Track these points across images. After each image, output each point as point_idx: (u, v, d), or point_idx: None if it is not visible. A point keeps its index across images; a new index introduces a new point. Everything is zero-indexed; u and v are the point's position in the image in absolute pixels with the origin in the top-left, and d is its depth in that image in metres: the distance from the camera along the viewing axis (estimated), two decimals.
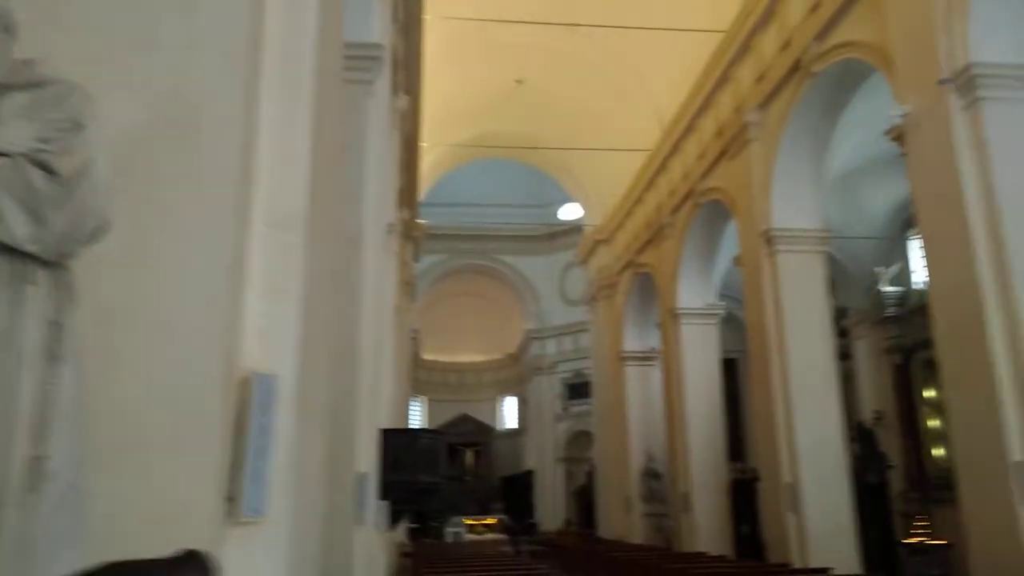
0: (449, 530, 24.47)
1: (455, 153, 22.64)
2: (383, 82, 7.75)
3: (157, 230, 1.95)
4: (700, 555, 12.96)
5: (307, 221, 2.43)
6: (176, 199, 1.98)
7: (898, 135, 8.98)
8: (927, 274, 8.83)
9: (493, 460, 32.31)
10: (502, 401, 34.71)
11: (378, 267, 8.23)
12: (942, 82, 8.02)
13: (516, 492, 30.68)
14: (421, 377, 31.15)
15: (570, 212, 30.08)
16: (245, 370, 2.09)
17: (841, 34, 10.41)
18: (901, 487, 15.84)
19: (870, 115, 11.46)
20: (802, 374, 11.77)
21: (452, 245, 30.99)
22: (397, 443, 9.04)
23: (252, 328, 2.15)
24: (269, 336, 2.21)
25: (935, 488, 14.18)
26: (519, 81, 20.31)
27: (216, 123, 2.03)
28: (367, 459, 6.82)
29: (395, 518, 11.02)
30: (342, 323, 5.82)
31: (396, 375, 15.23)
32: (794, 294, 12.14)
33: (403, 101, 12.07)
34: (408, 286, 20.11)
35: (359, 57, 6.47)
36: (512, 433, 33.50)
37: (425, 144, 18.21)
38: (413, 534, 22.55)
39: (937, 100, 8.17)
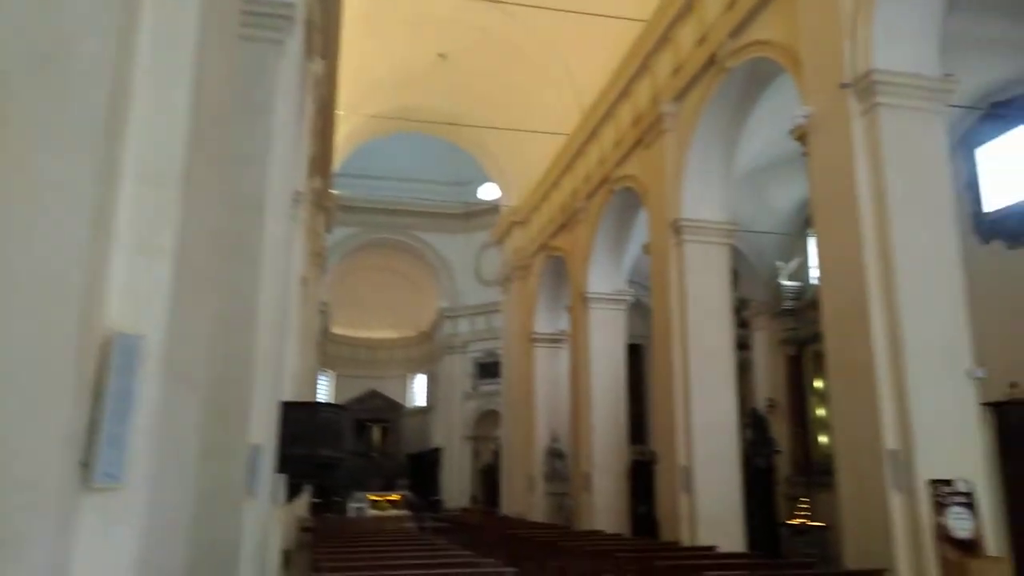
0: (352, 505, 24.28)
1: (374, 124, 22.22)
2: (295, 44, 7.50)
3: (10, 178, 1.81)
4: (597, 533, 13.29)
5: (186, 177, 2.32)
6: (34, 145, 1.85)
7: (801, 135, 9.32)
8: (819, 270, 9.22)
9: (401, 437, 32.19)
10: (412, 378, 34.57)
11: (283, 235, 8.01)
12: (843, 86, 8.36)
13: (422, 469, 30.71)
14: (331, 352, 30.65)
15: (488, 192, 30.07)
16: (107, 330, 1.98)
17: (754, 32, 10.70)
18: (788, 471, 16.65)
19: (779, 113, 11.84)
20: (702, 361, 12.16)
21: (367, 218, 30.49)
22: (298, 416, 8.86)
23: (117, 287, 2.03)
24: (137, 296, 2.09)
25: (818, 473, 14.95)
26: (442, 56, 20.07)
27: (83, 66, 1.90)
28: (263, 431, 6.65)
29: (293, 492, 10.83)
30: (238, 289, 5.63)
31: (302, 348, 14.92)
32: (698, 283, 12.50)
33: (319, 66, 11.73)
34: (318, 257, 19.68)
35: (268, 15, 6.23)
36: (421, 411, 33.45)
37: (342, 113, 17.79)
38: (316, 509, 22.25)
39: (838, 103, 8.52)
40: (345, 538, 12.14)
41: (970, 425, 7.68)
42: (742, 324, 18.19)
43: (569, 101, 18.38)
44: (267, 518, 7.61)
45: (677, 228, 12.68)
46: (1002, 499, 9.58)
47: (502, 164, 23.41)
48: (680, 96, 12.96)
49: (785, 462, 16.82)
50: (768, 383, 17.97)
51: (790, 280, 17.01)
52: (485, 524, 17.38)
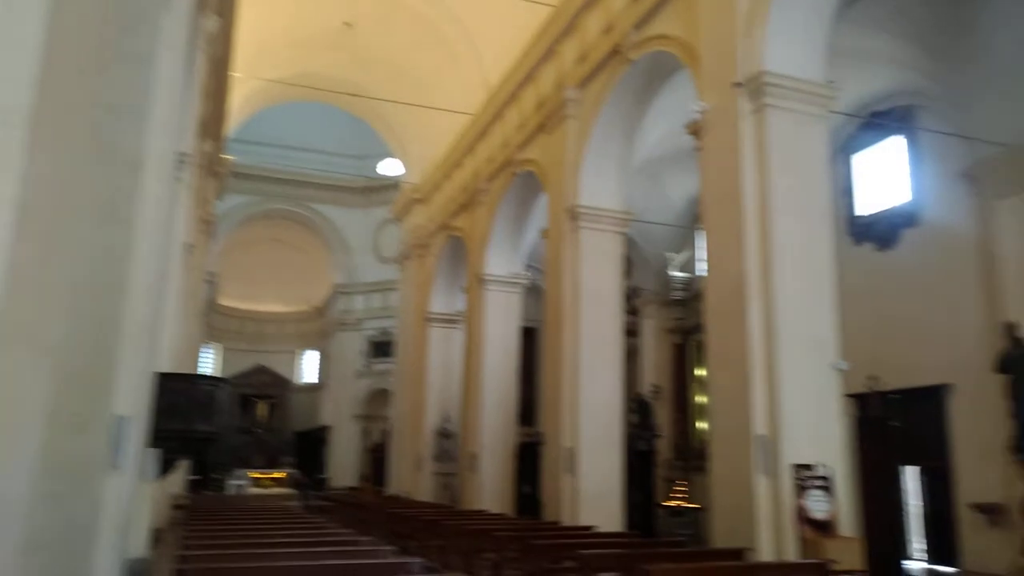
0: (231, 483, 23.53)
1: (273, 90, 21.37)
2: None
3: None
4: (480, 512, 13.41)
5: (36, 120, 2.13)
6: None
7: (695, 130, 9.60)
8: (705, 262, 9.55)
9: (288, 414, 31.44)
10: (303, 354, 33.75)
11: (164, 196, 7.57)
12: (736, 85, 8.65)
13: (310, 447, 30.10)
14: (217, 324, 29.53)
15: (389, 167, 29.58)
16: None
17: (657, 26, 10.92)
18: (669, 455, 17.32)
19: (678, 107, 12.15)
20: (590, 346, 12.41)
21: (262, 187, 29.44)
22: (174, 389, 8.45)
23: None
24: None
25: (695, 457, 15.62)
26: (348, 24, 19.50)
27: None
28: (132, 402, 6.30)
29: (166, 468, 10.36)
30: (109, 251, 5.28)
31: (185, 318, 14.27)
32: (592, 270, 12.73)
33: (213, 23, 11.14)
34: (207, 225, 18.84)
35: None
36: (311, 387, 32.72)
37: (238, 75, 17.03)
38: (194, 486, 21.44)
39: (730, 101, 8.81)
40: (221, 516, 11.75)
41: (832, 414, 8.17)
42: (632, 312, 18.69)
43: (475, 80, 18.27)
44: (134, 495, 7.23)
45: (574, 214, 12.85)
46: (857, 483, 10.26)
47: (405, 140, 23.06)
48: (584, 83, 13.10)
49: (666, 446, 17.48)
50: (654, 370, 18.58)
51: (679, 271, 17.59)
52: (370, 503, 17.23)
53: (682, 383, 17.50)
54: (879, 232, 12.93)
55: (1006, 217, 10.75)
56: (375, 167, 30.79)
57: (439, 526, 10.13)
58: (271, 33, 18.82)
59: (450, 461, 19.39)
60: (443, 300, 20.86)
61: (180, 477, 16.83)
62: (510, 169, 16.09)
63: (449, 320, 20.66)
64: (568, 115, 13.43)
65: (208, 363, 29.56)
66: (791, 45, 8.68)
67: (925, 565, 11.93)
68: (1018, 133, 10.32)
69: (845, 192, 13.43)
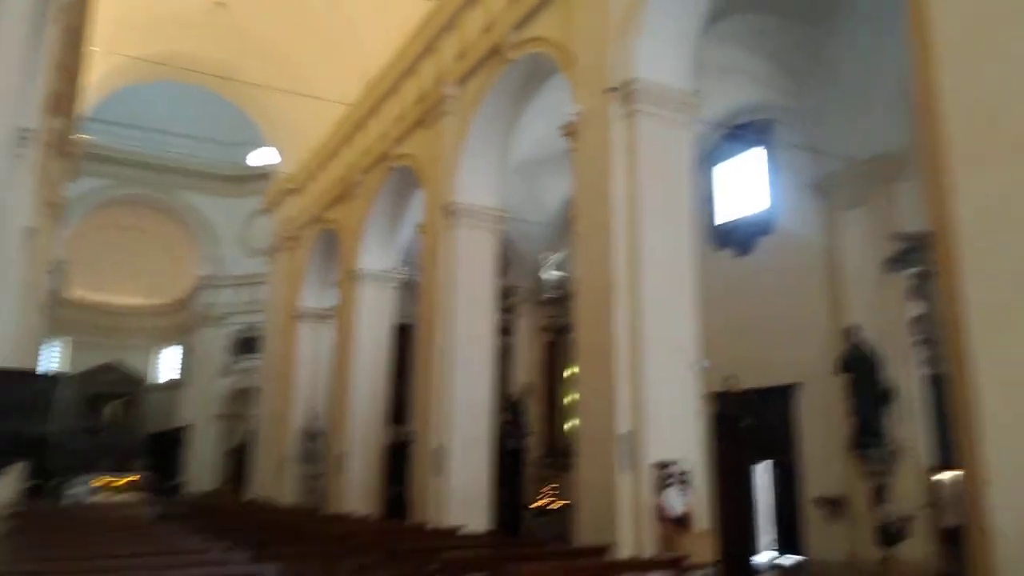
0: (72, 490, 21.79)
1: (137, 68, 19.98)
2: None
3: None
4: (346, 515, 13.05)
5: None
6: None
7: (570, 132, 9.72)
8: (575, 262, 9.69)
9: (144, 413, 29.56)
10: (162, 350, 31.85)
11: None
12: (608, 90, 8.82)
13: (166, 449, 28.42)
14: (66, 316, 27.32)
15: (261, 156, 28.39)
16: None
17: (535, 28, 10.99)
18: (539, 454, 17.51)
19: (555, 109, 12.29)
20: (464, 344, 12.34)
21: (122, 171, 27.59)
22: (2, 386, 7.66)
23: None
24: None
25: (564, 456, 15.84)
26: (220, 3, 18.55)
27: None
28: None
29: None
30: None
31: (24, 309, 13.10)
32: (467, 267, 12.66)
33: None
34: (55, 208, 17.38)
35: None
36: (170, 385, 30.93)
37: (97, 49, 15.81)
38: (31, 493, 19.74)
39: (603, 106, 8.98)
40: (58, 527, 10.82)
41: (692, 412, 8.47)
42: (507, 310, 18.81)
43: (354, 71, 17.79)
44: None
45: (450, 211, 12.75)
46: (713, 478, 10.69)
47: (280, 128, 22.20)
48: (463, 80, 13.01)
49: (537, 445, 17.67)
50: (528, 368, 18.75)
51: (554, 271, 17.84)
52: (229, 508, 16.42)
53: (554, 382, 17.75)
54: (738, 238, 13.61)
55: (850, 227, 11.56)
56: (246, 155, 29.49)
57: (300, 531, 9.75)
58: (135, 6, 17.62)
59: (317, 462, 18.79)
60: (314, 295, 20.22)
61: (12, 483, 15.42)
62: (387, 163, 15.78)
63: (320, 316, 20.03)
64: (447, 111, 13.31)
65: (53, 359, 27.35)
66: (661, 54, 8.95)
67: (773, 556, 12.63)
68: (862, 148, 11.12)
69: (707, 200, 14.04)
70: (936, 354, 10.02)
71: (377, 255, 16.76)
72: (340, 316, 17.66)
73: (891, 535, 9.73)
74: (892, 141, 10.80)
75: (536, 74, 11.82)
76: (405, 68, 15.05)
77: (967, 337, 4.85)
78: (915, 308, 10.49)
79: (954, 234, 5.03)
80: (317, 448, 18.79)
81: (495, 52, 11.92)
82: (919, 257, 9.58)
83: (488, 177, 13.02)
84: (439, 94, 13.46)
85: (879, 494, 10.24)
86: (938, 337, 7.66)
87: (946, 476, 9.58)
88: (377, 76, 16.40)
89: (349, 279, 16.89)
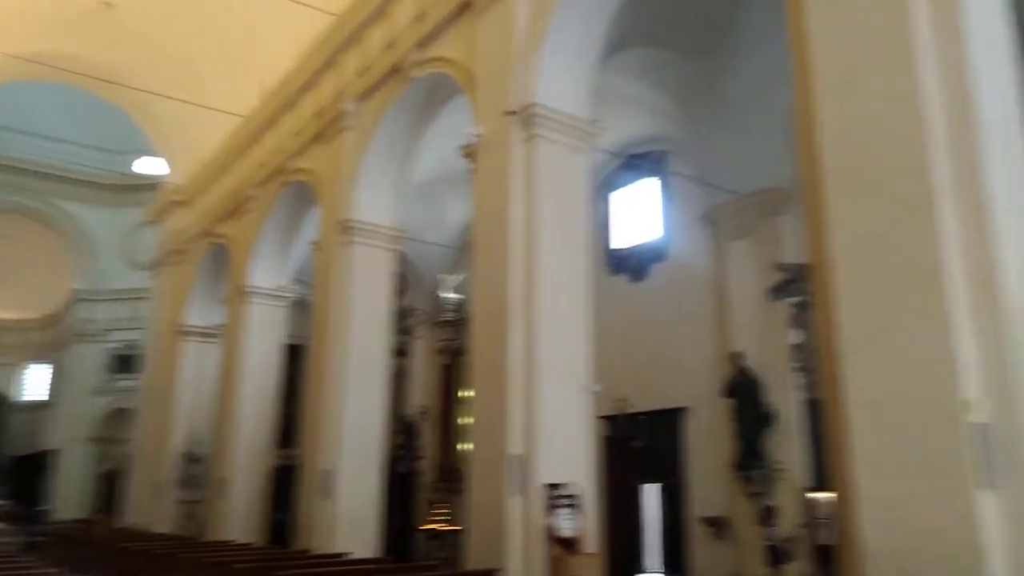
0: None
1: (12, 66, 18.68)
2: None
3: None
4: (225, 543, 12.42)
5: None
6: None
7: (470, 153, 9.72)
8: (472, 283, 9.64)
9: (6, 436, 27.33)
10: (28, 368, 29.60)
11: None
12: (509, 113, 8.88)
13: (31, 474, 26.34)
14: None
15: (147, 165, 27.04)
16: None
17: (439, 48, 10.97)
18: (433, 477, 17.26)
19: (457, 130, 12.27)
20: (357, 364, 12.05)
21: None
22: None
23: None
24: None
25: (457, 479, 15.68)
26: (107, 3, 17.64)
27: None
28: None
29: None
30: None
31: None
32: (362, 286, 12.41)
33: None
34: None
35: None
36: (37, 405, 28.75)
37: None
38: None
39: (503, 129, 9.02)
40: None
41: (584, 434, 8.52)
42: (405, 331, 18.55)
43: (251, 81, 17.25)
44: None
45: (347, 228, 12.48)
46: (604, 501, 10.82)
47: (169, 137, 21.20)
48: (364, 97, 12.83)
49: (432, 468, 17.42)
50: (423, 390, 18.53)
51: (452, 293, 17.75)
52: (98, 536, 15.32)
53: (450, 405, 17.59)
54: (632, 265, 13.95)
55: (736, 257, 12.05)
56: (131, 164, 28.00)
57: (174, 559, 9.17)
58: (12, 3, 16.52)
59: (197, 487, 17.83)
60: (200, 312, 19.30)
61: None
62: (282, 177, 15.33)
63: (206, 334, 19.13)
64: (346, 127, 13.09)
65: None
66: (561, 81, 9.09)
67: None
68: (749, 182, 11.63)
69: (603, 226, 14.35)
70: (813, 380, 10.53)
71: (268, 272, 16.21)
72: (227, 334, 16.93)
73: (778, 554, 10.10)
74: (777, 175, 11.34)
75: (438, 94, 11.78)
76: (305, 81, 14.72)
77: (840, 364, 5.08)
78: (795, 336, 10.99)
79: (829, 265, 5.27)
80: (198, 473, 17.84)
81: (397, 70, 11.82)
82: (799, 287, 10.04)
83: (387, 195, 12.84)
84: (339, 109, 13.23)
85: (767, 515, 10.62)
86: (814, 364, 8.03)
87: (821, 496, 10.03)
88: (275, 88, 15.96)
89: (238, 296, 16.23)
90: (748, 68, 11.05)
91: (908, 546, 4.53)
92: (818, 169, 5.46)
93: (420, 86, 11.68)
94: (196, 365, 18.96)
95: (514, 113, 8.86)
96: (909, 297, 4.80)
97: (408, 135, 12.53)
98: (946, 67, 4.91)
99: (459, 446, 16.67)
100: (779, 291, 11.00)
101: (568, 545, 7.76)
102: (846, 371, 5.03)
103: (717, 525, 11.76)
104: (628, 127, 13.18)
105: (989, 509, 4.30)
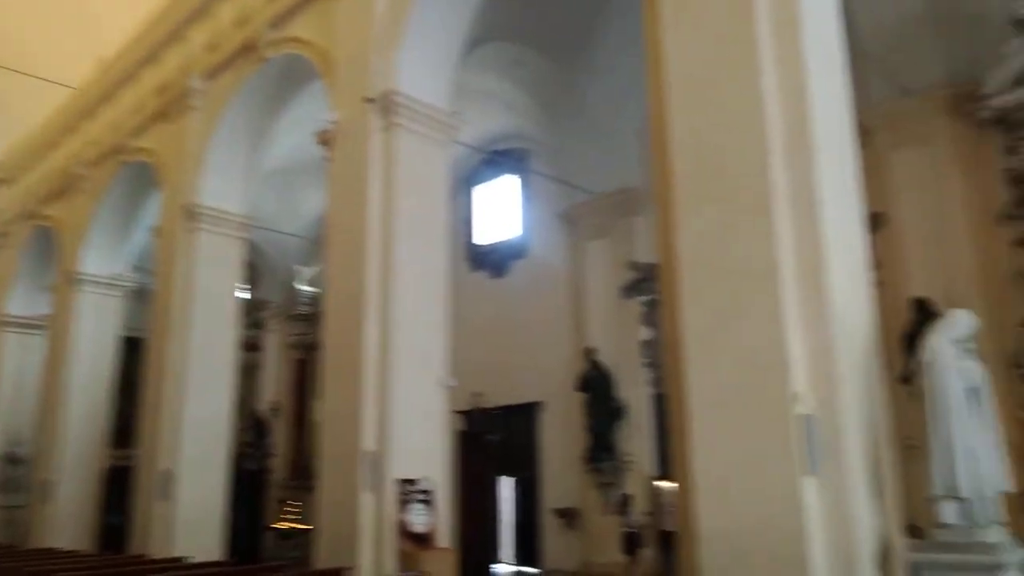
0: None
1: None
2: None
3: None
4: (50, 551, 11.40)
5: None
6: None
7: (325, 140, 9.39)
8: (327, 275, 9.34)
9: None
10: None
11: None
12: (367, 100, 8.65)
13: None
14: None
15: None
16: None
17: (295, 28, 10.53)
18: (285, 475, 16.64)
19: (315, 116, 11.81)
20: (200, 358, 11.43)
21: None
22: None
23: None
24: None
25: (310, 477, 15.21)
26: None
27: None
28: None
29: None
30: None
31: None
32: (208, 275, 11.76)
33: None
34: None
35: None
36: None
37: None
38: None
39: (361, 116, 8.77)
40: None
41: (439, 429, 8.45)
42: (256, 325, 17.79)
43: (85, 51, 15.86)
44: None
45: (191, 214, 11.76)
46: (459, 495, 10.82)
47: None
48: (213, 75, 12.11)
49: (284, 466, 16.80)
50: (276, 386, 17.84)
51: (308, 286, 17.17)
52: None
53: (303, 400, 17.02)
54: (493, 261, 14.04)
55: (593, 256, 12.39)
56: None
57: None
58: None
59: (19, 492, 16.26)
60: (23, 301, 17.56)
61: None
62: (120, 156, 14.21)
63: (29, 325, 17.44)
64: (192, 106, 12.30)
65: None
66: (423, 71, 8.95)
67: (513, 568, 13.04)
68: (606, 182, 11.97)
69: (465, 221, 14.35)
70: (661, 375, 11.02)
71: (103, 258, 14.97)
72: (53, 326, 15.52)
73: (632, 543, 10.52)
74: (633, 177, 11.74)
75: (294, 76, 11.29)
76: (147, 54, 13.70)
77: (682, 359, 5.30)
78: (645, 333, 11.45)
79: (675, 265, 5.49)
80: (20, 475, 16.28)
81: (250, 48, 11.24)
82: (650, 286, 10.47)
83: (236, 180, 12.20)
84: (185, 86, 12.42)
85: (623, 504, 11.00)
86: (661, 359, 8.39)
87: (666, 485, 10.50)
88: (112, 59, 14.76)
89: (67, 284, 14.90)
90: (608, 72, 11.35)
91: (739, 530, 4.80)
92: (668, 172, 5.67)
93: (274, 67, 11.16)
94: (18, 358, 17.27)
95: (373, 101, 8.64)
96: (746, 296, 5.08)
97: (261, 118, 11.96)
98: (787, 81, 5.22)
99: (314, 444, 16.18)
100: (632, 289, 11.45)
101: (421, 540, 7.68)
102: (688, 366, 5.26)
103: (568, 516, 12.07)
104: (490, 123, 13.22)
105: (811, 494, 4.62)
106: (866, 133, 7.41)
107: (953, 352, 4.74)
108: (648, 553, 10.51)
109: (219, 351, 11.62)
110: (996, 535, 4.51)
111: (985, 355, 5.13)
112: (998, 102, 8.34)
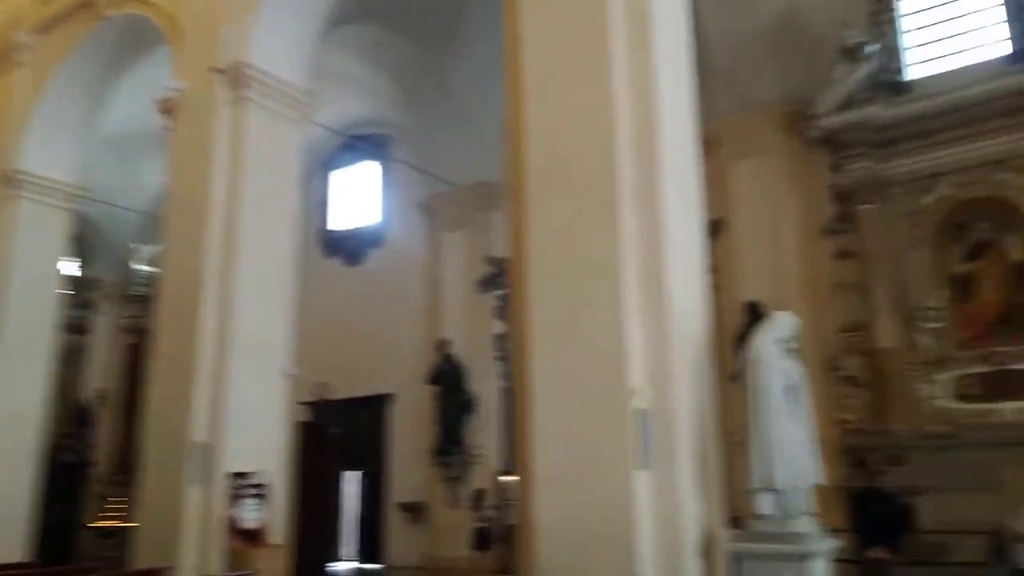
0: None
1: None
2: None
3: None
4: None
5: None
6: None
7: (167, 109, 8.76)
8: (163, 255, 8.71)
9: None
10: None
11: None
12: (215, 70, 8.13)
13: None
14: None
15: None
16: None
17: None
18: (110, 468, 15.42)
19: (159, 84, 10.99)
20: (14, 339, 10.35)
21: None
22: None
23: None
24: None
25: (139, 471, 14.21)
26: None
27: None
28: None
29: None
30: None
31: None
32: (26, 250, 10.68)
33: None
34: None
35: None
36: None
37: None
38: None
39: (208, 86, 8.24)
40: None
41: (278, 420, 8.07)
42: (86, 305, 16.41)
43: None
44: None
45: (10, 180, 10.66)
46: (299, 490, 10.39)
47: None
48: (44, 30, 11.03)
49: (110, 459, 15.56)
50: (105, 372, 16.50)
51: (146, 265, 16.00)
52: None
53: (135, 389, 15.83)
54: (349, 248, 13.64)
55: (450, 248, 12.32)
56: None
57: None
58: None
59: None
60: None
61: None
62: None
63: None
64: (19, 62, 11.16)
65: None
66: (277, 45, 8.52)
67: (354, 565, 12.73)
68: (466, 174, 11.89)
69: (320, 205, 13.86)
70: (511, 368, 11.10)
71: None
72: None
73: (483, 538, 10.46)
74: (494, 171, 11.69)
75: (137, 39, 10.44)
76: None
77: (528, 354, 5.31)
78: (498, 326, 11.50)
79: (525, 260, 5.49)
80: None
81: (87, 4, 10.32)
82: (504, 280, 10.52)
83: (66, 147, 11.17)
84: (10, 40, 11.23)
85: (477, 498, 10.93)
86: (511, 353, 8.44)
87: (511, 479, 10.58)
88: None
89: None
90: (472, 62, 11.24)
91: (574, 522, 4.85)
92: (521, 167, 5.66)
93: (114, 26, 10.32)
94: None
95: (222, 71, 8.13)
96: (590, 292, 5.14)
97: (97, 80, 11.01)
98: (636, 79, 5.34)
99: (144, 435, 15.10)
100: (487, 283, 11.46)
101: (251, 537, 7.29)
102: (533, 360, 5.27)
103: (414, 510, 11.93)
104: (351, 107, 12.82)
105: (643, 487, 4.74)
106: (711, 143, 7.76)
107: (775, 351, 5.01)
108: (496, 548, 10.54)
109: (37, 332, 10.58)
110: (807, 525, 4.80)
111: (806, 357, 5.47)
112: (826, 123, 9.00)
